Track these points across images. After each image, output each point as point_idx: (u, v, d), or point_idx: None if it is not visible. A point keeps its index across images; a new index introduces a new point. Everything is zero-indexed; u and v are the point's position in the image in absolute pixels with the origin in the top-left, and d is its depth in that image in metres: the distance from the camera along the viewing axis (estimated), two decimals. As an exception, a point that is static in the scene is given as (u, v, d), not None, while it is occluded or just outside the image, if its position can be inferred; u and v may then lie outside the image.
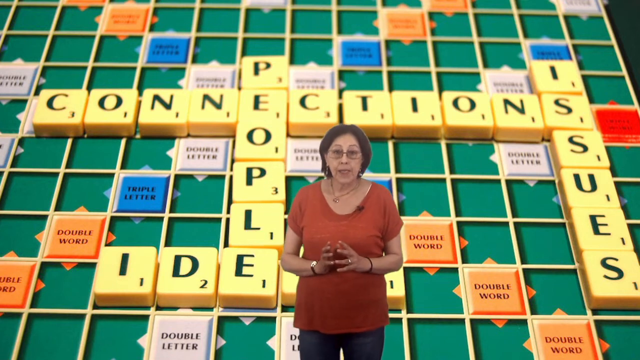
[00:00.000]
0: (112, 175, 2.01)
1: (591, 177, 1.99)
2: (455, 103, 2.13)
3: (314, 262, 1.40)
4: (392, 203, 1.42)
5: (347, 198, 1.41)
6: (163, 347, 1.71)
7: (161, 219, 1.92)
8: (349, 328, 1.41)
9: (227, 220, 1.92)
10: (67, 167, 2.02)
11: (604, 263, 1.82)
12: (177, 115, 2.08)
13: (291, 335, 1.73)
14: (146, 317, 1.75)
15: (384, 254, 1.43)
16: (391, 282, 1.77)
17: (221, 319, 1.76)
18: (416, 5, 2.48)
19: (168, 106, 2.10)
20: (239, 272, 1.77)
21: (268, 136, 2.04)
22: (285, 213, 1.93)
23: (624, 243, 1.87)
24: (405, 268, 1.84)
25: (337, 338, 1.45)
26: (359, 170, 1.41)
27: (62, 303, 1.77)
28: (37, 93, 2.18)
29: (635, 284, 1.80)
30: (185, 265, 1.79)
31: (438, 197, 1.99)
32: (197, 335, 1.73)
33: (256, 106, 2.11)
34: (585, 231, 1.88)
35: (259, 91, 2.15)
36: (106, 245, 1.87)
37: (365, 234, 1.39)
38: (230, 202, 1.95)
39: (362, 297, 1.40)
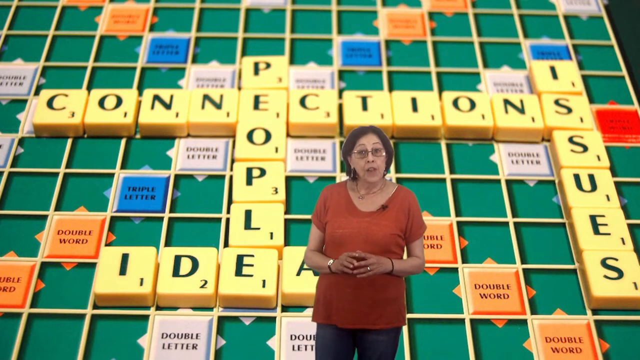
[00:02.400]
0: (112, 175, 2.01)
1: (591, 177, 1.99)
2: (455, 103, 2.13)
3: (332, 261, 1.41)
4: (417, 206, 1.44)
5: (372, 197, 1.43)
6: (163, 347, 1.71)
7: (161, 219, 1.92)
8: (364, 324, 1.42)
9: (227, 220, 1.92)
10: (67, 167, 2.02)
11: (604, 263, 1.82)
12: (177, 115, 2.08)
13: (291, 335, 1.73)
14: (146, 317, 1.75)
15: (405, 256, 1.44)
16: (391, 282, 1.78)
17: (221, 319, 1.76)
18: (416, 5, 2.48)
19: (168, 106, 2.10)
20: (239, 272, 1.77)
21: (268, 136, 2.04)
22: (286, 213, 1.93)
23: (624, 243, 1.87)
24: (405, 268, 1.85)
25: (352, 335, 1.46)
26: (384, 168, 1.42)
27: (62, 303, 1.77)
28: (37, 93, 2.18)
29: (635, 284, 1.80)
30: (185, 265, 1.79)
31: (438, 197, 1.99)
32: (197, 335, 1.73)
33: (256, 106, 2.11)
34: (585, 231, 1.88)
35: (259, 91, 2.15)
36: (106, 245, 1.87)
37: (388, 232, 1.40)
38: (230, 202, 1.95)
39: (380, 295, 1.41)
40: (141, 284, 1.76)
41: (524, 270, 1.86)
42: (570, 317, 1.78)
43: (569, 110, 2.14)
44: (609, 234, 1.88)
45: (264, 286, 1.76)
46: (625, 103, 2.22)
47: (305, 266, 1.78)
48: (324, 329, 1.45)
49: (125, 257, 1.80)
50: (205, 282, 1.77)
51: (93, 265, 1.83)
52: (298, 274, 1.78)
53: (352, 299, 1.41)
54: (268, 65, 2.22)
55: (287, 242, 1.87)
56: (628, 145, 2.12)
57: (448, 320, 1.77)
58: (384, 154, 1.41)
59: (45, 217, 1.92)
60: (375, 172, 1.41)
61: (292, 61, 2.30)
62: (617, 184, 2.02)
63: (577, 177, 1.99)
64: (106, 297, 1.76)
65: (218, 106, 2.10)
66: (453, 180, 2.02)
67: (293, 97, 2.14)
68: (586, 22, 2.45)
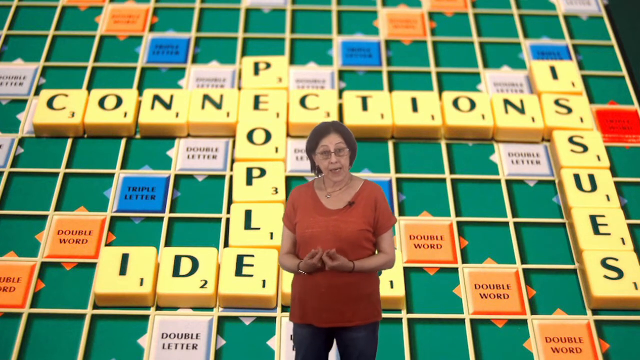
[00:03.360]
0: (112, 175, 2.01)
1: (591, 177, 1.99)
2: (455, 103, 2.13)
3: (300, 262, 1.42)
4: (384, 199, 1.45)
5: (339, 194, 1.44)
6: (163, 347, 1.71)
7: (161, 219, 1.92)
8: (340, 322, 1.44)
9: (227, 220, 1.92)
10: (67, 167, 2.02)
11: (604, 263, 1.82)
12: (177, 115, 2.08)
13: (291, 335, 1.73)
14: (146, 317, 1.75)
15: (376, 250, 1.45)
16: (391, 282, 1.77)
17: (221, 319, 1.76)
18: (416, 5, 2.48)
19: (168, 106, 2.10)
20: (239, 272, 1.77)
21: (268, 136, 2.04)
22: (285, 213, 1.93)
23: (624, 243, 1.87)
24: (405, 268, 1.85)
25: (329, 332, 1.47)
26: (348, 165, 1.43)
27: (62, 303, 1.77)
28: (37, 93, 2.18)
29: (635, 284, 1.80)
30: (185, 265, 1.79)
31: (438, 197, 1.99)
32: (197, 335, 1.73)
33: (256, 106, 2.11)
34: (585, 231, 1.88)
35: (259, 91, 2.15)
36: (106, 245, 1.87)
37: (356, 227, 1.42)
38: (230, 202, 1.95)
39: (353, 292, 1.43)
40: (141, 284, 1.76)
41: (524, 270, 1.86)
42: (570, 317, 1.78)
43: (569, 110, 2.14)
44: (609, 234, 1.88)
45: (264, 286, 1.76)
46: (625, 103, 2.22)
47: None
48: (301, 327, 1.47)
49: (125, 257, 1.80)
50: (205, 282, 1.77)
51: (93, 265, 1.83)
52: (298, 274, 1.78)
53: (327, 298, 1.42)
54: (268, 65, 2.22)
55: (287, 242, 1.87)
56: (628, 145, 2.12)
57: (448, 320, 1.77)
58: (347, 151, 1.42)
59: (45, 217, 1.92)
60: (339, 171, 1.42)
61: (292, 61, 2.30)
62: (617, 184, 2.02)
63: (577, 177, 1.99)
64: (106, 297, 1.76)
65: (218, 106, 2.10)
66: (453, 180, 2.02)
67: (293, 97, 2.14)
68: (586, 22, 2.45)
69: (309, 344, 1.47)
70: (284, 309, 1.77)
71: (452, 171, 2.04)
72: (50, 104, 2.10)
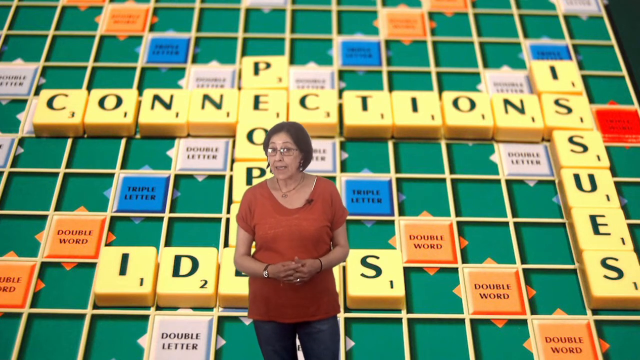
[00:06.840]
0: (112, 175, 2.01)
1: (591, 177, 1.99)
2: (455, 103, 2.13)
3: (268, 266, 1.42)
4: (337, 194, 1.47)
5: (294, 193, 1.46)
6: (163, 347, 1.71)
7: (161, 219, 1.93)
8: (304, 317, 1.46)
9: (227, 220, 1.92)
10: (67, 167, 2.02)
11: (604, 263, 1.82)
12: (177, 115, 2.08)
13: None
14: (146, 317, 1.76)
15: (331, 245, 1.48)
16: (391, 282, 1.78)
17: (221, 319, 1.76)
18: (416, 5, 2.48)
19: (168, 106, 2.10)
20: (239, 272, 1.77)
21: (268, 136, 2.04)
22: (285, 213, 1.93)
23: (624, 243, 1.87)
24: (405, 268, 1.85)
25: (293, 328, 1.49)
26: (296, 166, 1.44)
27: (62, 303, 1.77)
28: (37, 93, 2.18)
29: (635, 284, 1.80)
30: (185, 265, 1.79)
31: (438, 197, 1.99)
32: (197, 335, 1.73)
33: (256, 106, 2.11)
34: (585, 231, 1.88)
35: (259, 91, 2.15)
36: (106, 245, 1.87)
37: (317, 225, 1.44)
38: (230, 202, 1.95)
39: (317, 287, 1.45)
40: (141, 284, 1.76)
41: (524, 270, 1.86)
42: (570, 317, 1.78)
43: (569, 110, 2.14)
44: (609, 234, 1.88)
45: (264, 286, 1.76)
46: (625, 103, 2.22)
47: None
48: (265, 323, 1.48)
49: (125, 257, 1.80)
50: (205, 282, 1.77)
51: (93, 265, 1.83)
52: (298, 274, 1.78)
53: (290, 294, 1.44)
54: (268, 65, 2.22)
55: (287, 242, 1.87)
56: (628, 145, 2.12)
57: (448, 320, 1.77)
58: (294, 152, 1.43)
59: (45, 217, 1.92)
60: (283, 170, 1.43)
61: (292, 61, 2.30)
62: (617, 184, 2.02)
63: (577, 177, 1.99)
64: (106, 297, 1.76)
65: (218, 106, 2.10)
66: (453, 180, 2.02)
67: (293, 97, 2.14)
68: (586, 22, 2.45)
69: (278, 338, 1.48)
70: (284, 309, 1.77)
71: (452, 171, 2.04)
72: (50, 104, 2.10)
